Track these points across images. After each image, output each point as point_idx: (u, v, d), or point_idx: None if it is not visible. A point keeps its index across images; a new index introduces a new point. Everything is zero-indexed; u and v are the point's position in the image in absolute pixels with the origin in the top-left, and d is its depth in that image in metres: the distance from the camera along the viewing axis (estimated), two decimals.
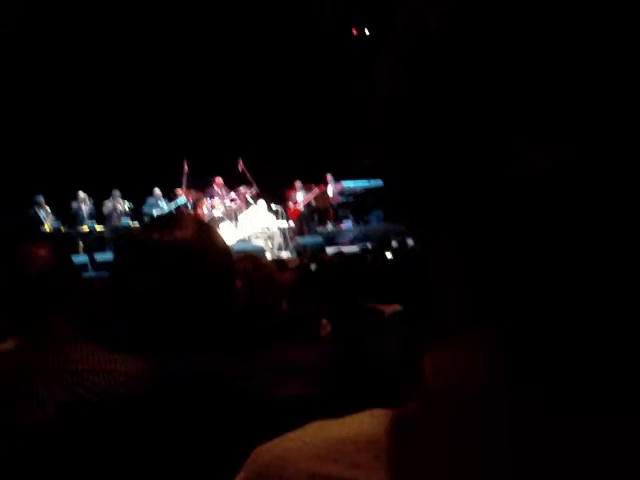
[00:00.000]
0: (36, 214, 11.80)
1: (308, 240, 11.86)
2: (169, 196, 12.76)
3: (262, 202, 12.52)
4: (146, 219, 11.47)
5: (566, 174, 0.25)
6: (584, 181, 0.24)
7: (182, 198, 12.51)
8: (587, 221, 0.25)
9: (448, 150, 0.27)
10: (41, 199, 11.92)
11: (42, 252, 1.27)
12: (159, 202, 12.49)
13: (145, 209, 12.37)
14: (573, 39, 0.24)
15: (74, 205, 12.31)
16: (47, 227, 11.75)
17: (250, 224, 12.10)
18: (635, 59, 0.24)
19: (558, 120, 0.25)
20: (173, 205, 12.34)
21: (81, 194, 12.35)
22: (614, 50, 0.24)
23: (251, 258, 1.84)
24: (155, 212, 11.96)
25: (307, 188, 13.28)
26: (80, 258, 10.45)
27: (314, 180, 13.34)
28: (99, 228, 12.29)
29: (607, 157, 0.24)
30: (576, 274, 0.25)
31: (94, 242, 12.19)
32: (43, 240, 1.33)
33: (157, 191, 12.65)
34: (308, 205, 13.18)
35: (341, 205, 13.39)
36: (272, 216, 12.47)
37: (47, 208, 12.03)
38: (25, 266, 1.23)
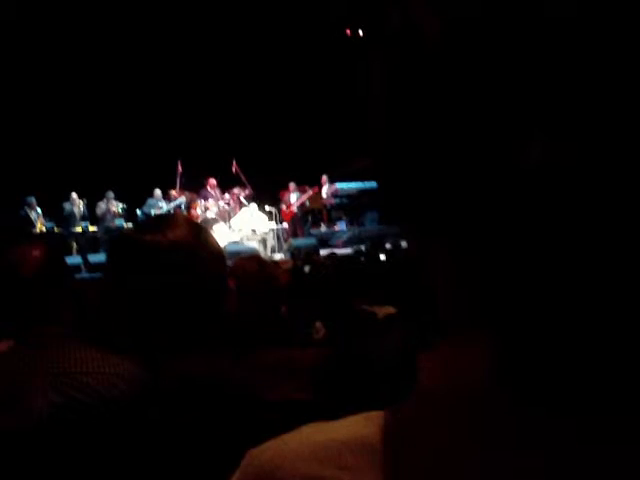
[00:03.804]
0: (27, 215, 11.74)
1: (302, 242, 11.84)
2: (164, 197, 12.75)
3: (253, 204, 12.49)
4: None
5: (568, 171, 0.25)
6: (586, 179, 0.24)
7: (181, 198, 12.50)
8: (589, 221, 0.25)
9: (448, 148, 0.27)
10: (32, 200, 11.86)
11: (35, 253, 1.27)
12: (159, 203, 12.45)
13: (145, 209, 12.32)
14: (575, 36, 0.24)
15: (67, 207, 12.26)
16: (38, 228, 11.69)
17: (242, 226, 12.09)
18: (633, 57, 0.24)
19: (559, 116, 0.25)
20: (173, 205, 12.31)
21: (73, 195, 12.30)
22: (614, 48, 0.24)
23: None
24: (154, 212, 11.92)
25: (301, 190, 13.26)
26: (73, 259, 10.41)
27: (308, 182, 13.33)
28: (92, 229, 12.25)
29: (610, 154, 0.24)
30: (575, 276, 0.25)
31: (87, 243, 12.15)
32: (36, 241, 1.32)
33: (157, 192, 12.62)
34: (302, 207, 13.17)
35: (335, 207, 13.38)
36: (264, 217, 12.44)
37: (38, 209, 11.98)
38: (18, 267, 1.23)
